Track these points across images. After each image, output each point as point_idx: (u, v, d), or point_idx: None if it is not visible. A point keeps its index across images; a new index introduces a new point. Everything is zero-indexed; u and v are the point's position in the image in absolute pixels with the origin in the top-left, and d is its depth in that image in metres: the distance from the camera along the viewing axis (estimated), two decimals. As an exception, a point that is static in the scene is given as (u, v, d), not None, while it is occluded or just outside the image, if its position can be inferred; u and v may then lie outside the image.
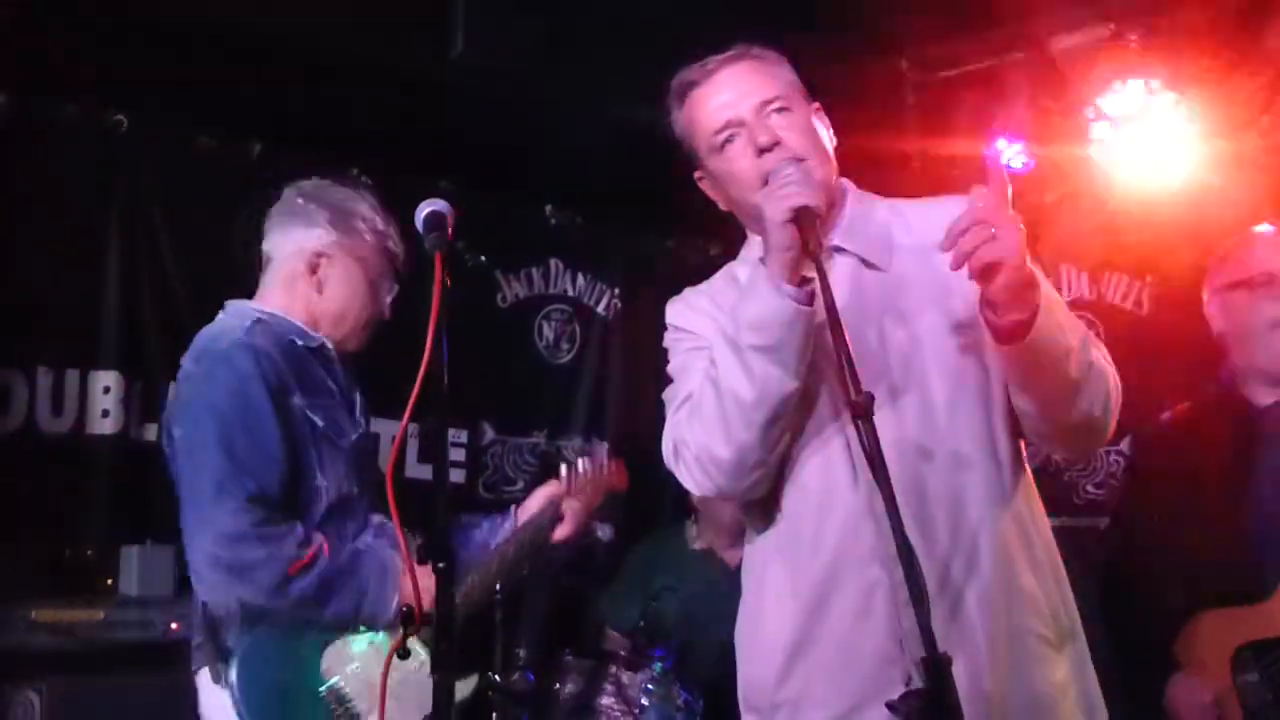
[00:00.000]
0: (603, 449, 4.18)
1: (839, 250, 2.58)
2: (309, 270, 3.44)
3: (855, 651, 2.45)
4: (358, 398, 3.51)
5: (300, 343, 3.37)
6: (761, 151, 2.50)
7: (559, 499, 3.86)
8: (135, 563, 4.39)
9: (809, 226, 2.29)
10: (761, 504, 2.60)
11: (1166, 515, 3.64)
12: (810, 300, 2.33)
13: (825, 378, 2.48)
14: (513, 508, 3.89)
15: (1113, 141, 5.41)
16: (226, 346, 3.24)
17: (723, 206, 2.69)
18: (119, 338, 4.83)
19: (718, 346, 2.44)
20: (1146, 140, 5.36)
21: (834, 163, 2.62)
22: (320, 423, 3.31)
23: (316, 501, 3.28)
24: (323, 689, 3.19)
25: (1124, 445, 5.84)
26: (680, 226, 6.24)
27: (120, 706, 4.08)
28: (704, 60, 2.64)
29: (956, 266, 2.24)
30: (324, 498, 3.29)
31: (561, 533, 3.86)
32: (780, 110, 2.55)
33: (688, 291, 2.78)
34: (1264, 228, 3.76)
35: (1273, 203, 5.09)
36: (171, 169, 4.99)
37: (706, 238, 6.06)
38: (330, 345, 3.45)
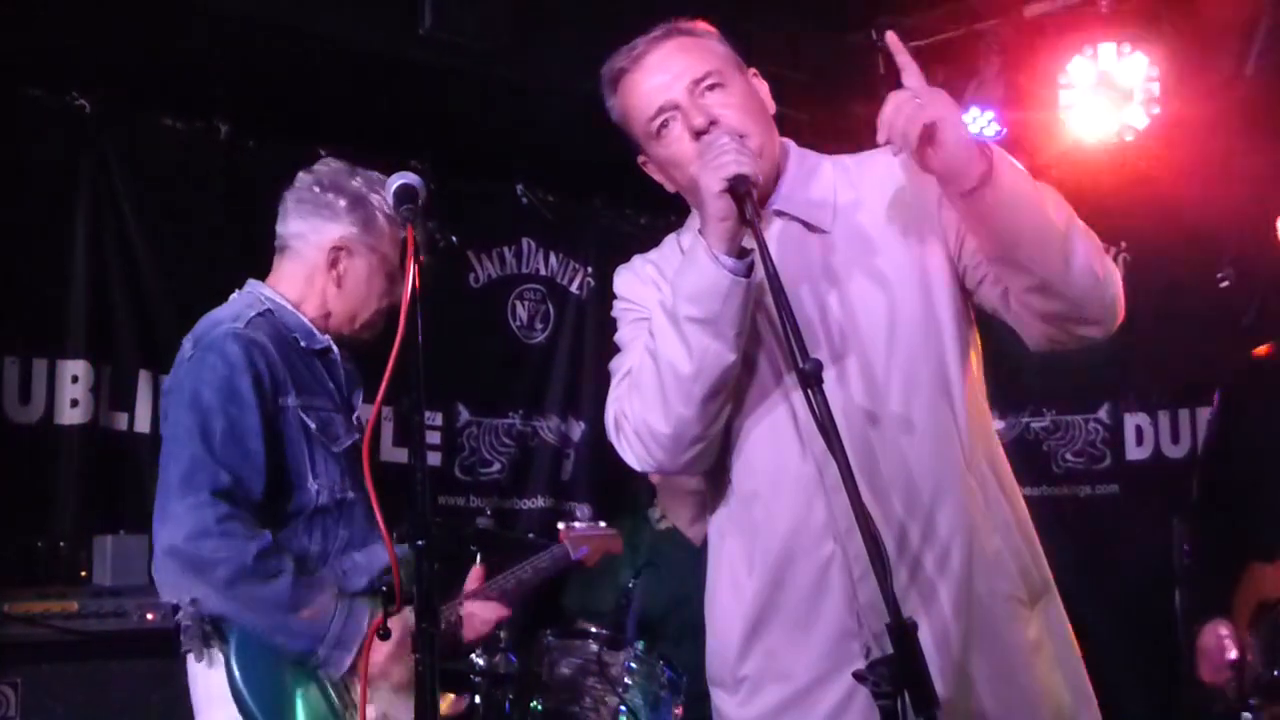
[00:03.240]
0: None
1: (780, 214, 2.52)
2: (329, 264, 3.36)
3: (813, 626, 2.43)
4: (356, 398, 3.44)
5: (304, 344, 3.31)
6: (698, 134, 2.44)
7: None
8: (108, 553, 4.34)
9: (745, 195, 2.25)
10: (714, 478, 2.58)
11: (1256, 453, 3.66)
12: (748, 271, 2.29)
13: (768, 347, 2.45)
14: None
15: (1084, 107, 5.40)
16: (222, 335, 3.16)
17: (669, 189, 2.63)
18: (87, 326, 4.78)
19: (656, 318, 2.40)
20: (1118, 106, 5.35)
21: (774, 129, 2.56)
22: (313, 425, 3.24)
23: (306, 504, 3.21)
24: (322, 672, 3.16)
25: (1103, 414, 5.86)
26: (652, 204, 6.20)
27: (96, 697, 4.05)
28: (632, 44, 2.56)
29: (900, 148, 2.20)
30: (314, 500, 3.22)
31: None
32: (713, 86, 2.48)
33: (635, 259, 2.73)
34: None
35: (1246, 166, 5.09)
36: (138, 152, 4.93)
37: (679, 214, 6.01)
38: (335, 349, 3.38)
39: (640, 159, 2.63)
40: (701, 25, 2.58)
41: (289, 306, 3.33)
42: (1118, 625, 5.27)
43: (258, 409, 3.10)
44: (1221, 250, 5.37)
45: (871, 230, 2.47)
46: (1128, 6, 5.33)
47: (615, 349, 2.65)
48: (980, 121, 5.65)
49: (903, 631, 1.98)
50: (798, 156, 2.59)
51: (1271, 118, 5.06)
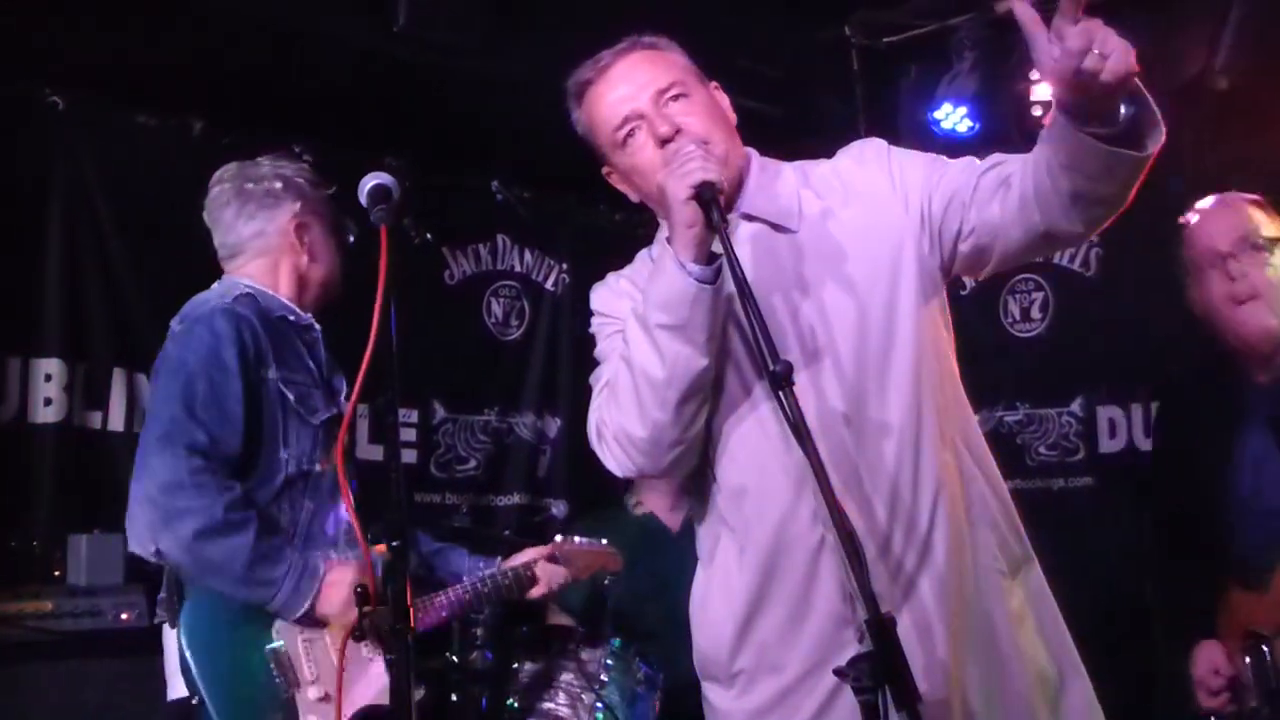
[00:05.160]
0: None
1: (748, 217, 2.58)
2: (297, 242, 3.55)
3: (806, 615, 2.47)
4: (338, 381, 3.58)
5: (292, 318, 3.48)
6: (663, 142, 2.50)
7: (543, 560, 3.90)
8: (83, 552, 4.33)
9: (711, 201, 2.28)
10: (699, 481, 2.62)
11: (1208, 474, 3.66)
12: (715, 277, 2.33)
13: (744, 349, 2.50)
14: (499, 560, 3.91)
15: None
16: (209, 310, 3.33)
17: (633, 199, 2.70)
18: (61, 324, 4.76)
19: (629, 326, 2.45)
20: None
21: (736, 138, 2.63)
22: (292, 396, 3.38)
23: (277, 472, 3.34)
24: (268, 649, 3.21)
25: (1075, 407, 5.89)
26: (628, 201, 6.19)
27: (71, 697, 4.03)
28: (597, 57, 2.64)
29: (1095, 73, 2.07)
30: (284, 469, 3.35)
31: (535, 593, 3.90)
32: (677, 97, 2.55)
33: (610, 276, 2.79)
34: (1205, 202, 3.75)
35: (1215, 157, 5.12)
36: (111, 149, 4.92)
37: (654, 211, 6.02)
38: (317, 328, 3.55)
39: (605, 170, 2.71)
40: (664, 39, 2.66)
41: (269, 291, 3.49)
42: (1092, 617, 5.28)
43: (240, 377, 3.27)
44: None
45: (840, 234, 2.52)
46: (1099, 1, 5.34)
47: (592, 356, 2.70)
48: (954, 117, 5.67)
49: (882, 627, 2.01)
50: (759, 163, 2.66)
51: (1240, 110, 5.09)
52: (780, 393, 2.14)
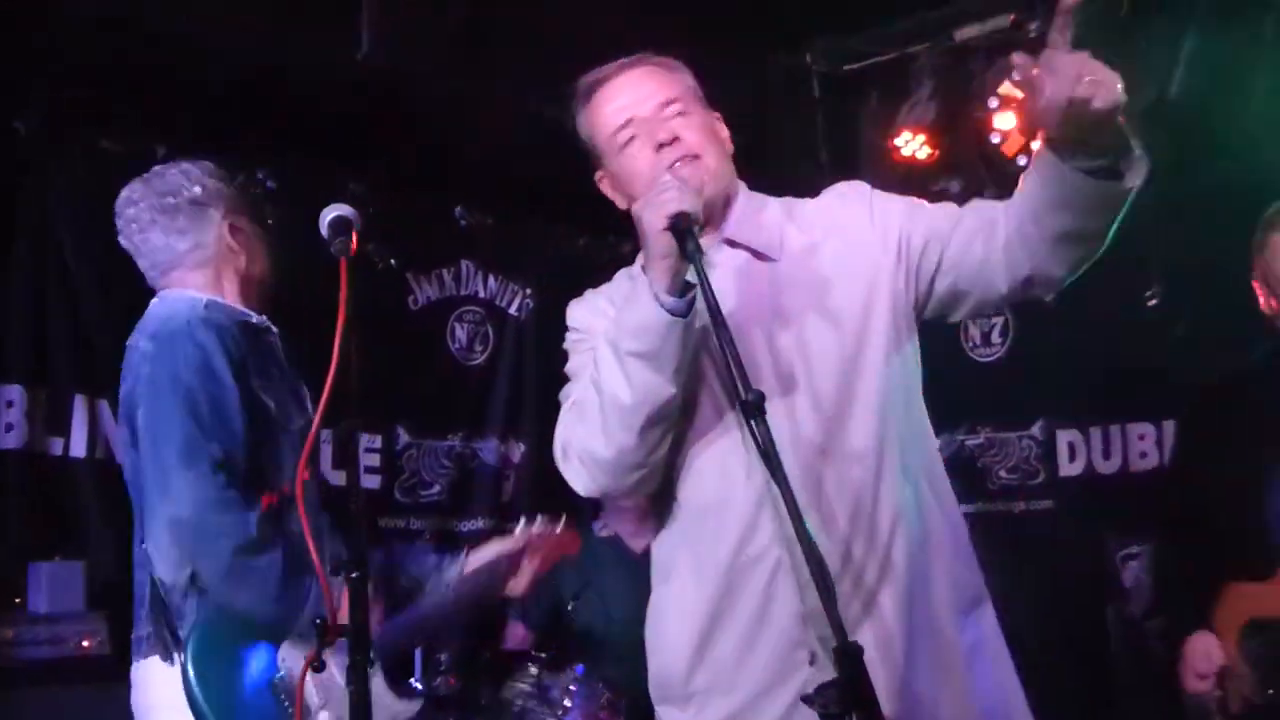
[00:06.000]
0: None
1: (731, 243, 2.64)
2: (234, 245, 3.40)
3: (761, 634, 2.49)
4: (303, 388, 3.45)
5: (254, 321, 3.35)
6: (660, 146, 2.57)
7: (513, 554, 3.83)
8: (44, 579, 4.31)
9: (687, 232, 2.31)
10: (660, 501, 2.65)
11: (1222, 475, 3.68)
12: (688, 310, 2.37)
13: (717, 377, 2.54)
14: (465, 548, 3.82)
15: (1014, 131, 5.49)
16: (186, 322, 3.17)
17: (621, 206, 2.72)
18: (23, 350, 4.73)
19: (600, 349, 2.49)
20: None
21: (729, 162, 2.68)
22: (271, 405, 3.27)
23: (279, 484, 3.24)
24: (276, 678, 3.16)
25: (1035, 430, 5.94)
26: (591, 225, 6.25)
27: (32, 725, 4.01)
28: (607, 65, 2.71)
29: (1075, 101, 2.13)
30: (280, 482, 3.25)
31: (516, 588, 3.82)
32: (679, 112, 2.63)
33: (588, 293, 2.82)
34: None
35: (1170, 187, 5.18)
36: (73, 175, 4.89)
37: (618, 236, 6.07)
38: (274, 330, 3.41)
39: (597, 175, 2.76)
40: (674, 60, 2.73)
41: (218, 299, 3.34)
42: (1052, 640, 5.34)
43: (236, 389, 3.14)
44: (1149, 269, 5.47)
45: (819, 267, 2.57)
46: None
47: (562, 376, 2.72)
48: (913, 144, 5.73)
49: (849, 655, 2.04)
50: (747, 195, 2.71)
51: (1194, 139, 5.16)
52: (751, 420, 2.17)
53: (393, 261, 5.83)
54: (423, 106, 5.16)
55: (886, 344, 2.54)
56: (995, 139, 5.53)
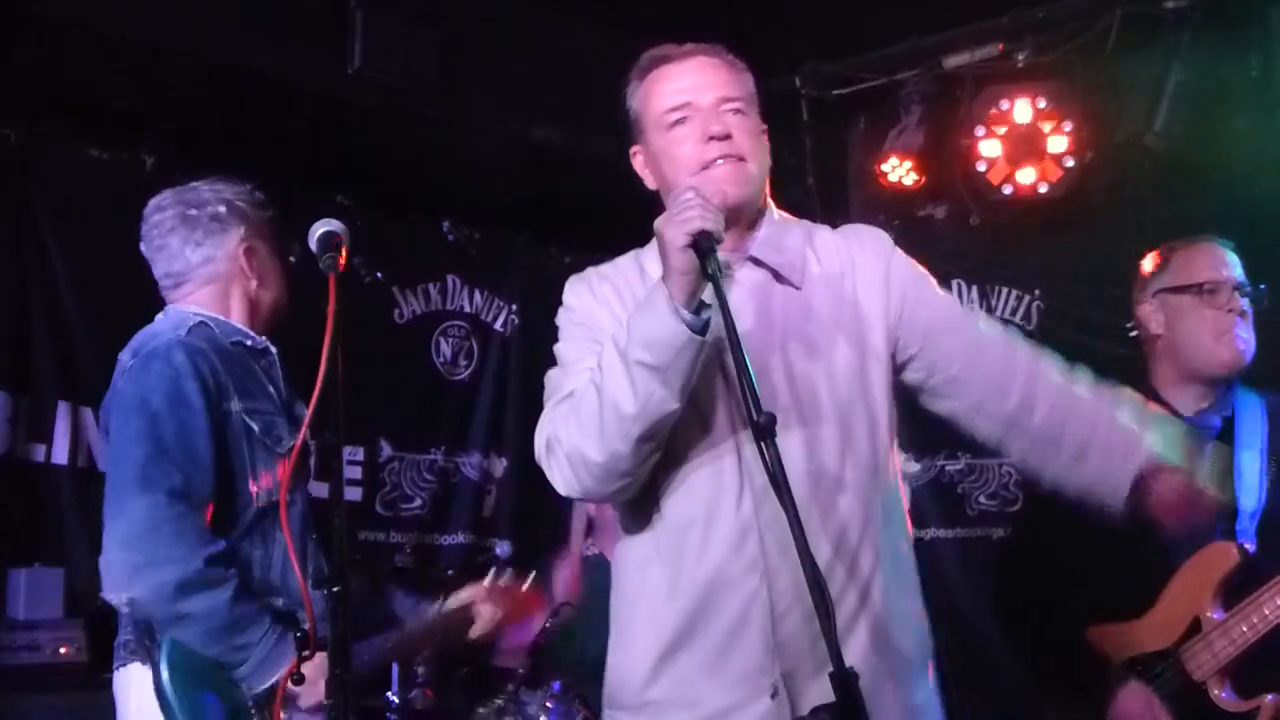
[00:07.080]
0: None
1: (755, 262, 2.62)
2: (246, 267, 3.42)
3: (728, 658, 2.49)
4: (299, 408, 3.44)
5: (249, 343, 3.36)
6: (710, 138, 2.55)
7: (479, 601, 3.83)
8: (23, 586, 4.31)
9: (709, 251, 2.30)
10: (642, 506, 2.61)
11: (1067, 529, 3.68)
12: (704, 329, 2.35)
13: (724, 395, 2.52)
14: (442, 597, 3.77)
15: (1001, 158, 5.53)
16: (164, 343, 3.19)
17: (650, 185, 2.71)
18: (5, 356, 4.75)
19: (607, 351, 2.44)
20: (1033, 156, 5.48)
21: (766, 179, 2.67)
22: (256, 428, 3.26)
23: (246, 507, 3.22)
24: (251, 692, 3.14)
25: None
26: (578, 242, 6.26)
27: (9, 732, 4.01)
28: (681, 44, 2.69)
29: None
30: (254, 503, 3.23)
31: (475, 632, 3.80)
32: (737, 111, 2.61)
33: (591, 271, 2.77)
34: (1207, 240, 3.83)
35: (1154, 217, 5.23)
36: (62, 183, 4.91)
37: (605, 254, 6.05)
38: (273, 350, 3.42)
39: (632, 150, 2.73)
40: (743, 63, 2.71)
41: (221, 318, 3.36)
42: (1029, 666, 5.34)
43: (205, 413, 3.12)
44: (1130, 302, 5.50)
45: (835, 300, 2.59)
46: (1043, 61, 5.46)
47: (539, 398, 2.65)
48: (900, 170, 5.76)
49: (845, 679, 2.05)
50: (773, 217, 2.70)
51: (1177, 170, 5.21)
52: (761, 442, 2.16)
53: (379, 275, 5.84)
54: (412, 121, 5.17)
55: (887, 386, 2.60)
56: (981, 166, 5.56)
